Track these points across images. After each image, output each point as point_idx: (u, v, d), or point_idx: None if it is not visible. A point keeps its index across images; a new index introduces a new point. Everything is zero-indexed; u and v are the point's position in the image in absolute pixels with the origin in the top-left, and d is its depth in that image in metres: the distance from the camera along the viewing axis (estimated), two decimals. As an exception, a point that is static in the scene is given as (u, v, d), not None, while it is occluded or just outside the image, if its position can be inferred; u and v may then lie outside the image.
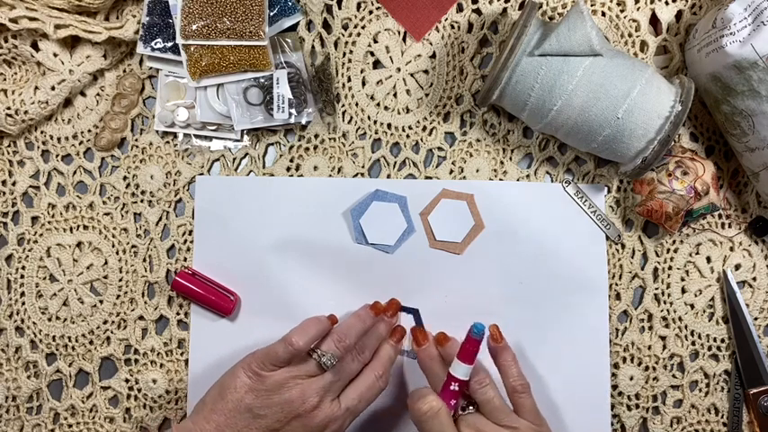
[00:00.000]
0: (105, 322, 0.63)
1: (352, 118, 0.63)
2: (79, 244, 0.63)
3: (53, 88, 0.60)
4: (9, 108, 0.60)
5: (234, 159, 0.63)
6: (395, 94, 0.63)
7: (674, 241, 0.63)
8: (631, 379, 0.62)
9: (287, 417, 0.52)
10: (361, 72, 0.62)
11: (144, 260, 0.63)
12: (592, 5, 0.62)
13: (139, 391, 0.63)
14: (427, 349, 0.58)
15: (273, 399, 0.52)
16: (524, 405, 0.53)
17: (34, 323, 0.63)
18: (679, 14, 0.62)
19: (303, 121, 0.61)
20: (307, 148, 0.63)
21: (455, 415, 0.53)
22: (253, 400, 0.52)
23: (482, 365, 0.56)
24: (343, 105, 0.63)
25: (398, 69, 0.62)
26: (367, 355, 0.57)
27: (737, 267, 0.63)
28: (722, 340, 0.63)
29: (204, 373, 0.61)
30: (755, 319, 0.63)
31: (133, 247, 0.63)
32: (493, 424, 0.52)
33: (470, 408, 0.53)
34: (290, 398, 0.52)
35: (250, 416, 0.52)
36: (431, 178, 0.62)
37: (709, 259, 0.63)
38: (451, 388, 0.52)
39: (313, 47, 0.62)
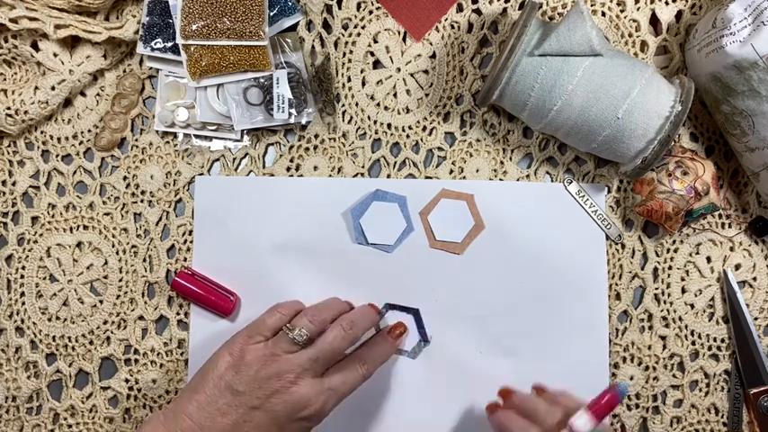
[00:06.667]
0: (105, 322, 0.62)
1: (352, 118, 0.63)
2: (79, 244, 0.63)
3: (53, 88, 0.60)
4: (9, 108, 0.60)
5: (234, 159, 0.63)
6: (395, 94, 0.63)
7: (674, 241, 0.63)
8: (631, 379, 0.62)
9: (265, 393, 0.51)
10: (361, 72, 0.62)
11: (144, 260, 0.63)
12: (592, 5, 0.62)
13: (139, 391, 0.63)
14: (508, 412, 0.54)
15: (251, 374, 0.51)
16: None
17: (34, 323, 0.63)
18: (679, 14, 0.62)
19: (303, 121, 0.61)
20: (307, 148, 0.63)
21: None
22: (233, 377, 0.52)
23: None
24: (343, 105, 0.63)
25: (398, 69, 0.62)
26: (356, 333, 0.55)
27: (737, 267, 0.63)
28: (722, 340, 0.63)
29: (204, 373, 0.61)
30: (755, 319, 0.63)
31: (133, 247, 0.63)
32: None
33: None
34: (267, 374, 0.51)
35: (230, 393, 0.51)
36: (431, 178, 0.62)
37: (709, 259, 0.63)
38: None
39: (313, 47, 0.62)
